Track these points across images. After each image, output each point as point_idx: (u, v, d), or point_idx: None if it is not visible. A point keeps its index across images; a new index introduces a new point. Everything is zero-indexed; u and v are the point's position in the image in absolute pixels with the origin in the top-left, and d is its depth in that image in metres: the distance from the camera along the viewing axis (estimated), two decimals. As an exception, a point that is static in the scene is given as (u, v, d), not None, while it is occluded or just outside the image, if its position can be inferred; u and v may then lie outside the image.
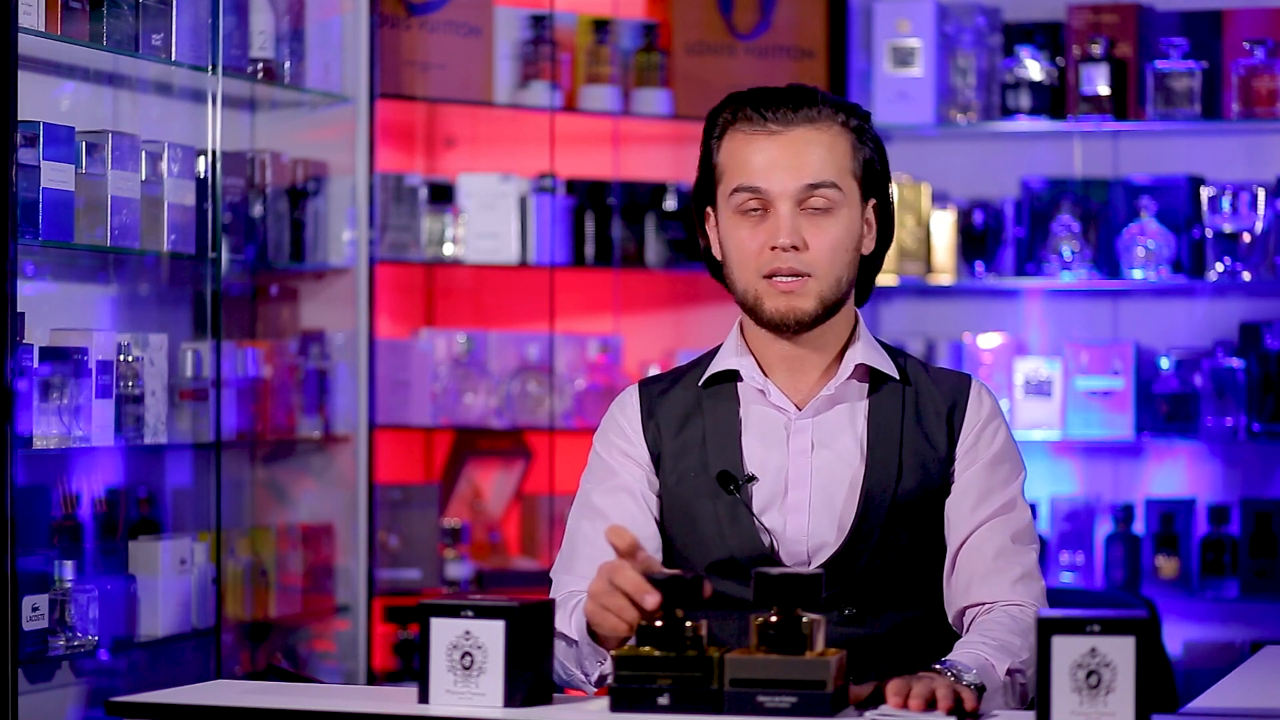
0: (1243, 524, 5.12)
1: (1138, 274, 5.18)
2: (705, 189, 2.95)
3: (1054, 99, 5.29)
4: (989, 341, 5.30)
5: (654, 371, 5.19)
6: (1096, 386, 5.19)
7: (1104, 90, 5.22)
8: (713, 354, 2.99)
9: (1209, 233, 5.11)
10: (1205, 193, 5.12)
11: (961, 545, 2.89)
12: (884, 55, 5.35)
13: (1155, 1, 5.31)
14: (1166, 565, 5.17)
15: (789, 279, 2.85)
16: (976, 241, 5.33)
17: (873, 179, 2.92)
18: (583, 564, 2.90)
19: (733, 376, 2.95)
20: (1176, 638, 5.12)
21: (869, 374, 2.94)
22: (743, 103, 2.91)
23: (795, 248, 2.84)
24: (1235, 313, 5.22)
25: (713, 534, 2.88)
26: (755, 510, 2.88)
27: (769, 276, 2.86)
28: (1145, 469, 5.31)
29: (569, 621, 2.81)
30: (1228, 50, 5.17)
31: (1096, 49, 5.22)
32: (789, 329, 2.88)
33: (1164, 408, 5.17)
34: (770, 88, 2.93)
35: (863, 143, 2.91)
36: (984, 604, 2.86)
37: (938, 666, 2.66)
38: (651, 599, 2.50)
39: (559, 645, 2.80)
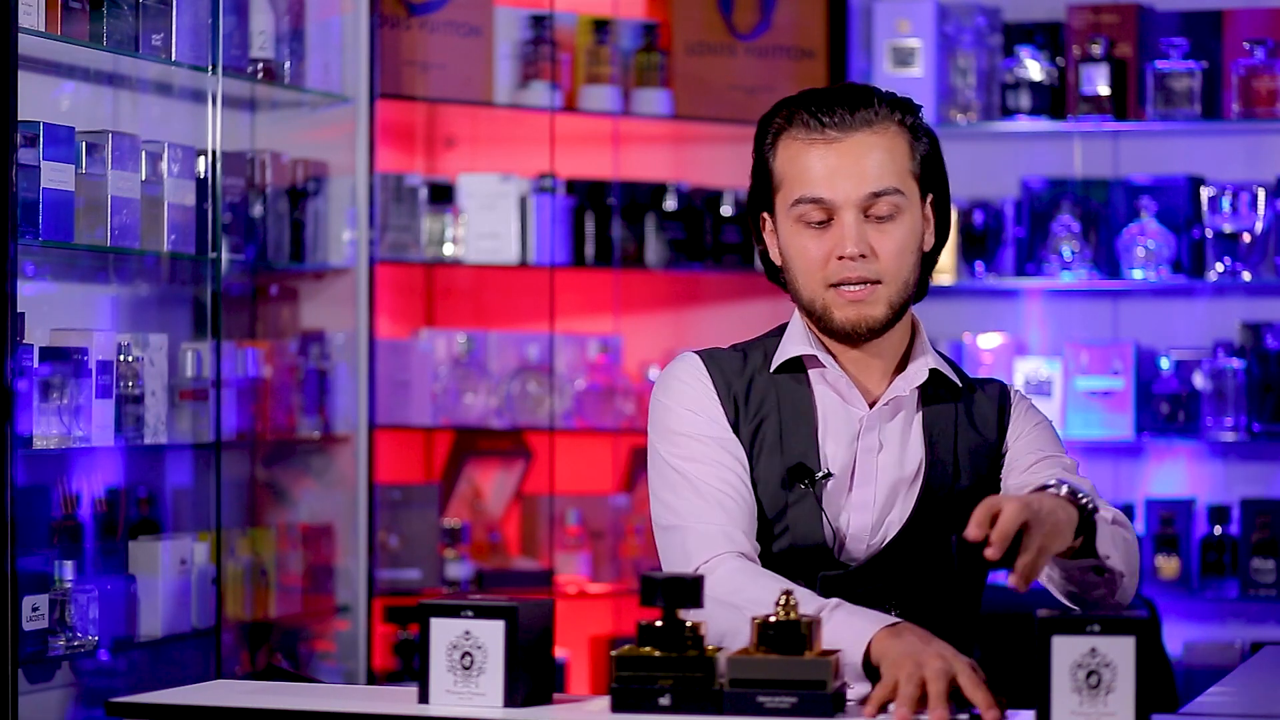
0: (1243, 524, 5.12)
1: (1138, 274, 5.17)
2: (761, 196, 2.90)
3: (1054, 99, 5.29)
4: (989, 341, 5.30)
5: (654, 372, 5.19)
6: (1096, 386, 5.19)
7: (1104, 90, 5.22)
8: (769, 339, 2.94)
9: (1209, 233, 5.11)
10: (1205, 193, 5.12)
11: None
12: (884, 55, 5.35)
13: (1155, 1, 5.31)
14: (1166, 565, 5.17)
15: (858, 287, 2.82)
16: (976, 241, 5.33)
17: (930, 174, 2.88)
18: (714, 496, 2.81)
19: (800, 365, 2.90)
20: (1176, 638, 5.12)
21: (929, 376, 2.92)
22: (797, 107, 2.85)
23: (863, 256, 2.81)
24: (1235, 313, 5.22)
25: (778, 523, 2.86)
26: (823, 505, 2.86)
27: (836, 285, 2.83)
28: (1145, 469, 5.31)
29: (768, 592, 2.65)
30: (1228, 50, 5.17)
31: (1096, 49, 5.22)
32: (860, 337, 2.85)
33: (1164, 408, 5.17)
34: (824, 89, 2.88)
35: (918, 139, 2.86)
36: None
37: (1052, 484, 2.63)
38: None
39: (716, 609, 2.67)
